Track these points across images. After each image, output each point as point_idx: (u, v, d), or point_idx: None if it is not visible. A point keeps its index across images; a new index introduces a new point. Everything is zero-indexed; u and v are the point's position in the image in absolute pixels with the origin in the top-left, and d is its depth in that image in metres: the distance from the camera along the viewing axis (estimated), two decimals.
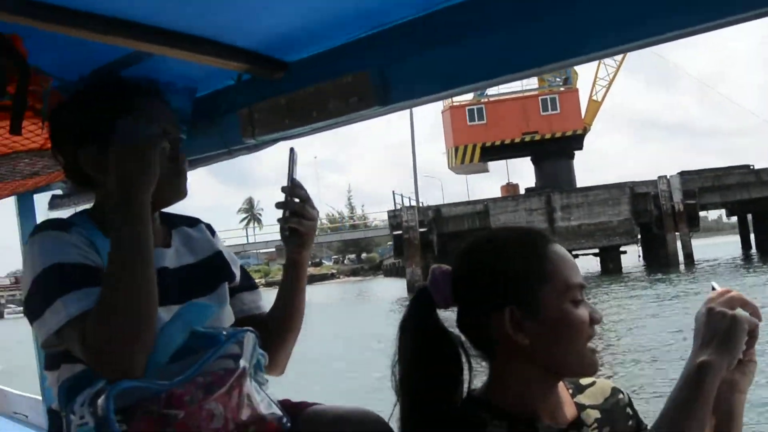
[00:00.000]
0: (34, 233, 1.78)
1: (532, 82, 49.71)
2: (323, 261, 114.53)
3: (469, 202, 47.35)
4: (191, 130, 2.94)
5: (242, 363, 1.61)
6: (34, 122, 2.54)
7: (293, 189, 1.83)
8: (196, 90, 2.98)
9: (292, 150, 1.88)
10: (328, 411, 1.72)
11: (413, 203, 50.21)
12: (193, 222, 2.00)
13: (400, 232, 44.93)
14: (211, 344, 1.63)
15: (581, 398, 1.80)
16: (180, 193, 1.89)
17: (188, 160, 2.01)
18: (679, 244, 43.03)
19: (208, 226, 2.10)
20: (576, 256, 42.02)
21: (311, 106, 2.42)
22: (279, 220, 1.90)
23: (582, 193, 42.78)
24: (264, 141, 2.71)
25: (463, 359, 1.70)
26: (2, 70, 2.27)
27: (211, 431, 1.49)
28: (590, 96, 50.35)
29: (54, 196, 4.54)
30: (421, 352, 1.67)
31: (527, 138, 49.46)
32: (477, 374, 1.71)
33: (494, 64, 2.10)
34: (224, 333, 1.67)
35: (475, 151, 50.64)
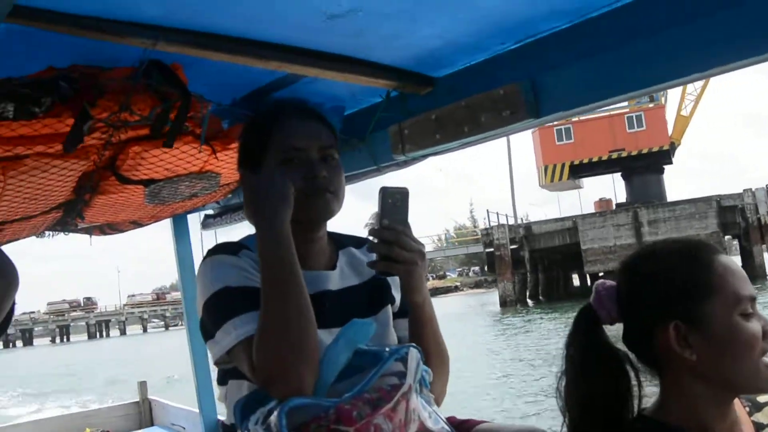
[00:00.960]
0: (206, 257, 1.83)
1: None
2: (447, 273, 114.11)
3: (558, 219, 48.09)
4: (341, 148, 2.98)
5: (407, 379, 1.61)
6: (194, 146, 2.65)
7: (381, 232, 1.75)
8: (344, 108, 3.02)
9: (383, 190, 1.79)
10: (497, 429, 1.69)
11: (510, 219, 52.15)
12: (361, 242, 2.00)
13: (491, 249, 46.77)
14: (375, 362, 1.63)
15: (759, 417, 1.70)
16: (321, 212, 1.86)
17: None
18: (766, 256, 42.22)
19: None
20: None
21: (462, 121, 2.40)
22: (368, 264, 1.83)
23: (669, 207, 42.66)
24: (414, 157, 2.72)
25: (632, 376, 1.64)
26: (167, 99, 2.37)
27: None
28: (678, 111, 50.45)
29: (206, 216, 4.72)
30: (587, 369, 1.62)
31: (614, 155, 50.31)
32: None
33: (651, 71, 2.03)
34: (387, 350, 1.67)
35: (564, 170, 51.75)
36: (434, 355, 1.78)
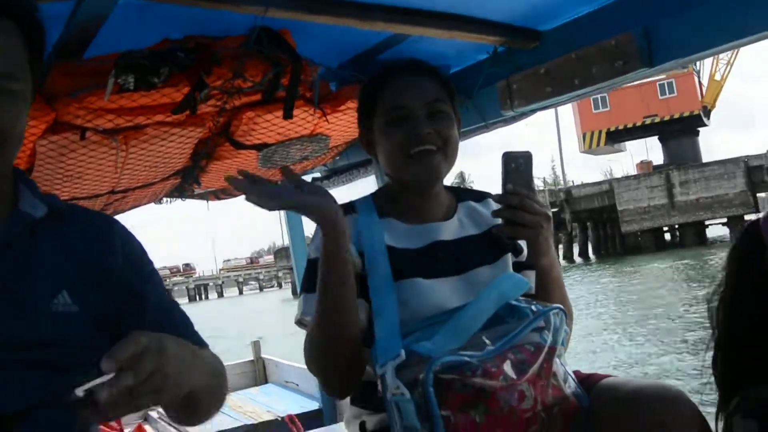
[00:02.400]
0: None
1: None
2: None
3: (595, 183, 51.67)
4: None
5: (549, 340, 1.60)
6: (305, 110, 2.70)
7: (505, 197, 1.72)
8: (450, 67, 3.02)
9: (506, 155, 1.75)
10: (623, 384, 1.66)
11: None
12: (481, 196, 2.00)
13: None
14: (518, 317, 1.64)
15: None
16: (426, 172, 1.82)
17: None
18: None
19: None
20: (707, 225, 45.22)
21: (573, 73, 2.37)
22: (493, 231, 1.81)
23: (699, 168, 44.49)
24: (523, 112, 2.70)
25: None
26: (278, 64, 2.42)
27: (520, 411, 1.48)
28: (711, 76, 51.92)
29: (314, 179, 4.80)
30: (745, 291, 1.57)
31: (648, 121, 52.98)
32: None
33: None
34: (533, 308, 1.66)
35: (601, 136, 54.96)
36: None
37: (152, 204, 3.76)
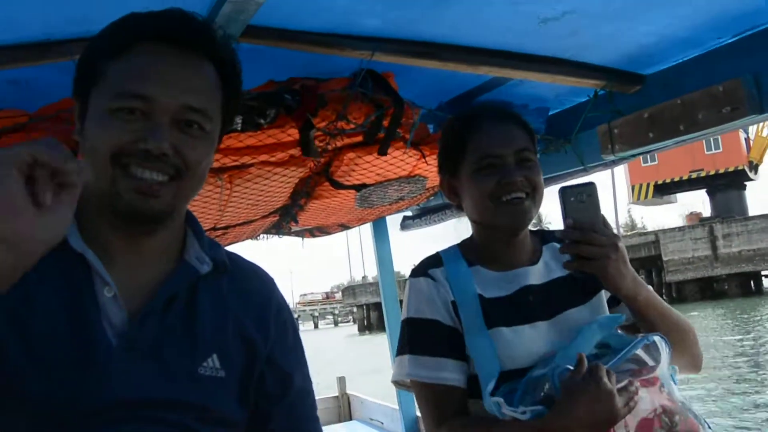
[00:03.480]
0: (409, 277, 1.91)
1: None
2: None
3: (641, 233, 53.09)
4: (545, 149, 2.98)
5: (651, 364, 1.59)
6: (404, 151, 2.73)
7: (566, 233, 1.71)
8: (548, 110, 3.02)
9: (562, 190, 1.74)
10: None
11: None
12: None
13: None
14: (619, 346, 1.63)
15: None
16: (517, 218, 1.77)
17: (543, 179, 2.00)
18: None
19: None
20: (753, 277, 45.48)
21: (678, 119, 2.34)
22: (564, 266, 1.79)
23: (742, 222, 45.49)
24: (623, 157, 2.68)
25: None
26: (381, 106, 2.46)
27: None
28: (757, 133, 52.62)
29: (405, 218, 4.84)
30: None
31: (694, 175, 53.82)
32: None
33: None
34: (636, 338, 1.65)
35: (649, 189, 55.58)
36: (672, 333, 1.74)
37: (249, 240, 3.85)
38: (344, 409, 6.34)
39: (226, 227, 3.24)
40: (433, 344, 1.75)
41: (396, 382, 1.87)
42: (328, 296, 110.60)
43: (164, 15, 1.22)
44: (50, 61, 2.16)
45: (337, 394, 6.41)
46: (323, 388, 6.65)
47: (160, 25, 1.20)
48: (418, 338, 1.77)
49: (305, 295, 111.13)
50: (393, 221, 4.87)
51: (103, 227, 1.24)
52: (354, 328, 65.18)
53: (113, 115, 1.16)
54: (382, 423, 5.60)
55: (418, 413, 4.99)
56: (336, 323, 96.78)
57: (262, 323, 1.37)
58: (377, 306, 62.13)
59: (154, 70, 1.17)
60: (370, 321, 60.69)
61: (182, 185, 1.21)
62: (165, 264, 1.30)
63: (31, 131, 2.32)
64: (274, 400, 1.36)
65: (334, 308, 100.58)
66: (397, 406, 5.06)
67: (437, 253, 1.93)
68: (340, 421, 6.25)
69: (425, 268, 1.86)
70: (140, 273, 1.26)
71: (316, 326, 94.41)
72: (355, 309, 64.13)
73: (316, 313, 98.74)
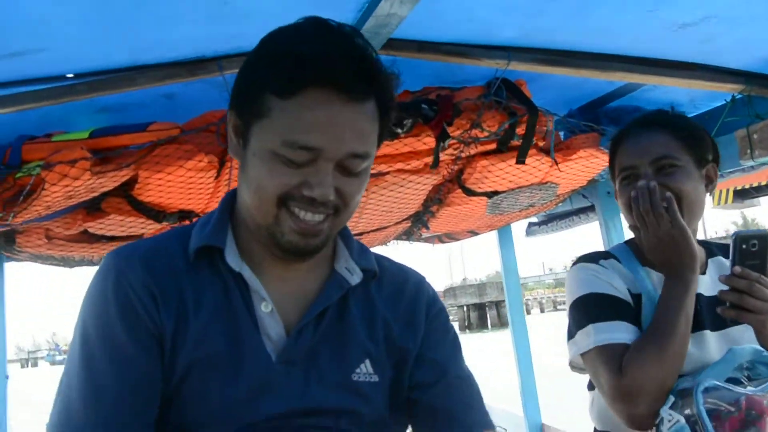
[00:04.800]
0: (574, 264, 1.92)
1: None
2: None
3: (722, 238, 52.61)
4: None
5: None
6: (537, 158, 2.76)
7: (731, 279, 1.68)
8: (684, 114, 2.98)
9: (735, 235, 1.70)
10: None
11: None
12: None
13: None
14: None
15: None
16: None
17: None
18: None
19: None
20: None
21: None
22: (717, 311, 1.76)
23: None
24: (763, 162, 2.63)
25: None
26: (515, 114, 2.50)
27: None
28: None
29: (530, 224, 4.84)
30: None
31: None
32: None
33: None
34: None
35: (728, 194, 55.43)
36: None
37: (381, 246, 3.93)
38: None
39: (360, 234, 3.34)
40: (613, 312, 1.75)
41: (573, 365, 1.88)
42: None
43: (335, 57, 1.16)
44: (201, 77, 2.30)
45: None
46: None
47: (332, 72, 1.15)
48: (597, 309, 1.77)
49: None
50: (516, 227, 4.89)
51: (259, 249, 1.28)
52: (455, 327, 65.29)
53: (279, 158, 1.16)
54: (506, 430, 5.55)
55: (544, 421, 4.97)
56: None
57: (412, 326, 1.39)
58: (477, 306, 63.34)
59: (324, 123, 1.15)
60: (470, 321, 62.19)
61: (339, 219, 1.24)
62: (317, 274, 1.34)
63: (183, 143, 2.47)
64: (425, 387, 1.37)
65: None
66: (521, 413, 5.03)
67: (607, 250, 1.96)
68: None
69: (596, 258, 1.89)
70: (294, 286, 1.30)
71: None
72: (455, 309, 64.14)
73: None
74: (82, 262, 3.43)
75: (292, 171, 1.16)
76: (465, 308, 62.81)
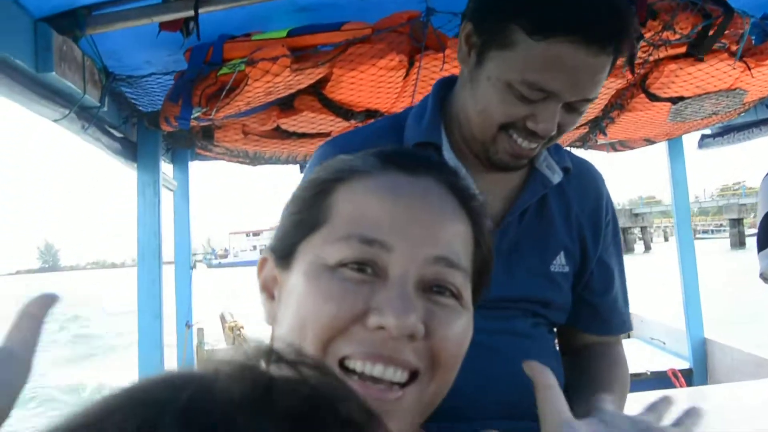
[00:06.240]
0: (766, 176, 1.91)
1: None
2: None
3: None
4: None
5: None
6: (728, 63, 2.68)
7: None
8: None
9: None
10: None
11: None
12: None
13: None
14: None
15: None
16: None
17: None
18: None
19: None
20: None
21: None
22: None
23: None
24: None
25: None
26: (710, 16, 2.44)
27: None
28: None
29: (704, 136, 4.67)
30: None
31: None
32: None
33: None
34: None
35: None
36: None
37: None
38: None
39: None
40: None
41: (765, 277, 1.90)
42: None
43: (589, 7, 1.13)
44: None
45: None
46: None
47: (584, 22, 1.13)
48: None
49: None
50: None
51: (467, 148, 1.34)
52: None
53: (513, 91, 1.19)
54: (664, 343, 5.53)
55: (707, 335, 4.91)
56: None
57: (596, 224, 1.45)
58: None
59: (567, 70, 1.16)
60: None
61: (550, 143, 1.29)
62: (519, 172, 1.38)
63: (375, 42, 2.55)
64: (597, 294, 1.46)
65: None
66: (683, 327, 4.98)
67: None
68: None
69: None
70: (498, 183, 1.36)
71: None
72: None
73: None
74: (269, 160, 3.63)
75: (522, 105, 1.20)
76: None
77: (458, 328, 0.82)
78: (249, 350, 0.41)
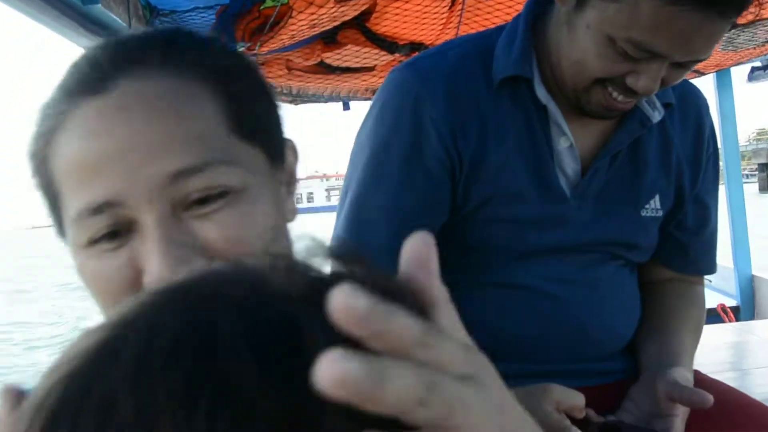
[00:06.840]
0: None
1: None
2: None
3: None
4: None
5: None
6: None
7: None
8: None
9: None
10: None
11: None
12: None
13: None
14: None
15: None
16: None
17: None
18: None
19: None
20: None
21: None
22: None
23: None
24: None
25: None
26: None
27: None
28: None
29: (753, 68, 4.55)
30: None
31: None
32: None
33: None
34: None
35: None
36: None
37: None
38: None
39: None
40: None
41: None
42: None
43: None
44: None
45: None
46: None
47: None
48: None
49: None
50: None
51: (558, 84, 1.24)
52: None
53: (615, 47, 1.09)
54: (710, 281, 5.49)
55: (755, 272, 4.86)
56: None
57: (697, 160, 1.38)
58: None
59: (681, 34, 1.04)
60: None
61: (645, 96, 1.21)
62: None
63: None
64: (690, 233, 1.42)
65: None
66: (730, 265, 4.94)
67: None
68: None
69: None
70: (593, 121, 1.27)
71: None
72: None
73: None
74: (312, 98, 3.62)
75: (624, 62, 1.10)
76: None
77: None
78: (306, 246, 0.39)
